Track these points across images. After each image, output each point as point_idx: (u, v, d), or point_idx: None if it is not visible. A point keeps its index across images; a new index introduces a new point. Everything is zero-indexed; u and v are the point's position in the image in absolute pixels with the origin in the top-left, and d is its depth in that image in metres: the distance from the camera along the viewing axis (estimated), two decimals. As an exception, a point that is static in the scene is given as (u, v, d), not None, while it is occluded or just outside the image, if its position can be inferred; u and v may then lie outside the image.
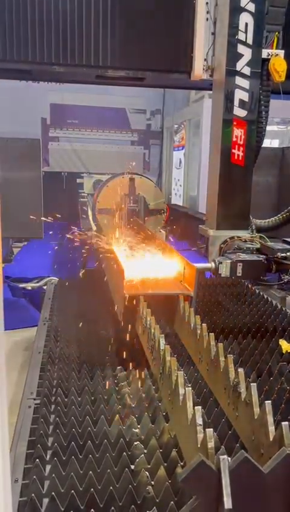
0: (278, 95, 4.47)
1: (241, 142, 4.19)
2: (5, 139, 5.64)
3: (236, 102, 4.12)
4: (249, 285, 3.80)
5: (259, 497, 0.95)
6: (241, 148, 4.20)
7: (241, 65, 4.08)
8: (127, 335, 2.53)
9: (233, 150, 4.20)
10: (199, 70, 4.26)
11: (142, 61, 4.39)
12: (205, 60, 4.26)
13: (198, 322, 2.06)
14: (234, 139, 4.18)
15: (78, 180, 9.64)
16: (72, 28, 4.18)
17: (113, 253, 2.99)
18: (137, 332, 2.43)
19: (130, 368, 2.25)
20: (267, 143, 9.69)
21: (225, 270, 3.68)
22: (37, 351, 2.53)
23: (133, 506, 1.36)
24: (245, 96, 4.12)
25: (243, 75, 4.09)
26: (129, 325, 2.51)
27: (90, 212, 5.99)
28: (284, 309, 3.15)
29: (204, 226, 4.58)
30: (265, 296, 3.46)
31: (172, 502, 1.34)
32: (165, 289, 2.58)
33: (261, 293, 3.55)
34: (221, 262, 3.69)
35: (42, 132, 11.42)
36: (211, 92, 4.57)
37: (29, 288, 4.98)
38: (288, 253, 3.74)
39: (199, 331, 1.98)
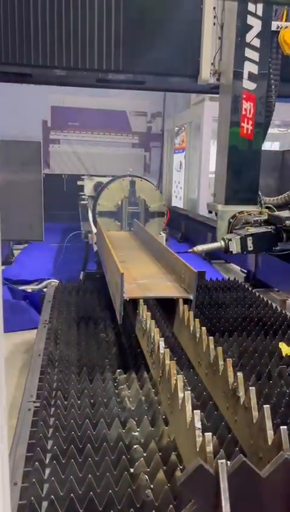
0: (281, 98, 4.45)
1: (251, 116, 4.14)
2: (5, 142, 5.65)
3: (245, 75, 4.06)
4: (250, 288, 3.80)
5: (257, 501, 0.95)
6: (250, 122, 4.14)
7: (250, 37, 4.01)
8: (127, 338, 2.52)
9: (242, 124, 4.15)
10: (206, 75, 4.25)
11: (144, 65, 4.38)
12: (212, 64, 4.26)
13: (197, 326, 2.06)
14: (243, 112, 4.13)
15: (78, 183, 9.66)
16: (74, 31, 4.18)
17: (112, 256, 2.99)
18: (137, 335, 2.44)
19: (130, 371, 2.25)
20: (267, 146, 9.72)
21: (235, 247, 3.58)
22: (37, 354, 2.53)
23: (132, 509, 1.36)
24: (254, 68, 4.06)
25: (252, 47, 4.03)
26: (129, 328, 2.51)
27: (90, 215, 5.99)
28: (284, 312, 3.15)
29: (212, 201, 4.50)
30: (265, 299, 3.46)
31: (171, 506, 1.34)
32: (165, 292, 2.58)
33: (261, 296, 3.55)
34: (230, 239, 3.60)
35: (43, 134, 11.45)
36: (211, 95, 4.57)
37: (30, 290, 4.98)
38: None
39: (198, 335, 1.99)
